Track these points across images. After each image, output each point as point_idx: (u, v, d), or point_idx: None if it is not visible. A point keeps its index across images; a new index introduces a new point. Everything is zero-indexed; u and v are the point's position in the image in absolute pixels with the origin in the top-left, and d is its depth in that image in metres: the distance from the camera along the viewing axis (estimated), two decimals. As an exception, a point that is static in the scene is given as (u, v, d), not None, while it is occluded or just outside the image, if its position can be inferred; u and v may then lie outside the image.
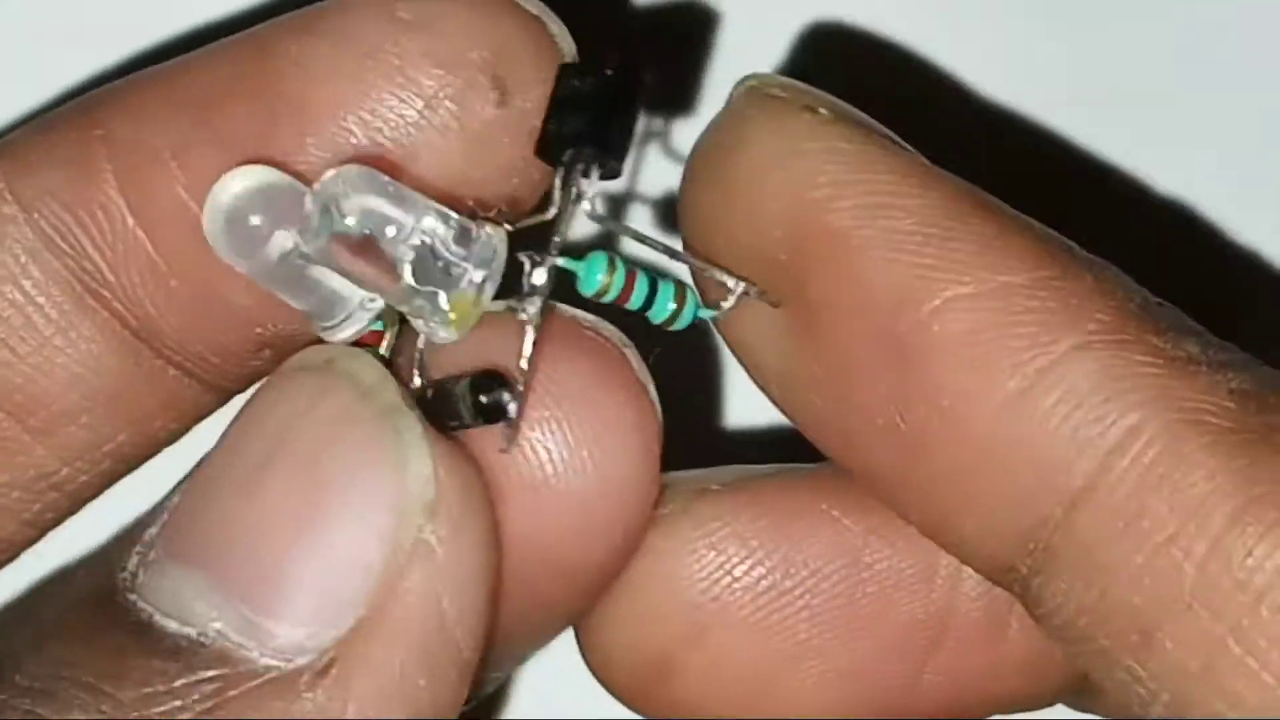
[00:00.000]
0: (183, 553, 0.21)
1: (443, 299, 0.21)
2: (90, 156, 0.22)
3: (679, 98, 0.30)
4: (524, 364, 0.21)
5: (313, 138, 0.22)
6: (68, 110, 0.23)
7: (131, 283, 0.23)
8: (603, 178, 0.21)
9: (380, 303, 0.21)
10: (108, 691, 0.20)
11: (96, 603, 0.21)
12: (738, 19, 0.31)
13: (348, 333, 0.22)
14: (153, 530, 0.22)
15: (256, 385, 0.23)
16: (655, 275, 0.22)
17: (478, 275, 0.21)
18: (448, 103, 0.22)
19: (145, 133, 0.22)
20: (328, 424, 0.22)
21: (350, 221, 0.20)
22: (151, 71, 0.23)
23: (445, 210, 0.20)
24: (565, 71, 0.21)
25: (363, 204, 0.20)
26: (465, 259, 0.21)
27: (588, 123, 0.21)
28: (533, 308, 0.21)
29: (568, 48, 0.22)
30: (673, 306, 0.22)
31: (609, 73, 0.21)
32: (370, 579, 0.21)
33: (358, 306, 0.22)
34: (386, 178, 0.20)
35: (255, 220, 0.21)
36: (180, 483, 0.22)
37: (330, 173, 0.20)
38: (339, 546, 0.21)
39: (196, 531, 0.21)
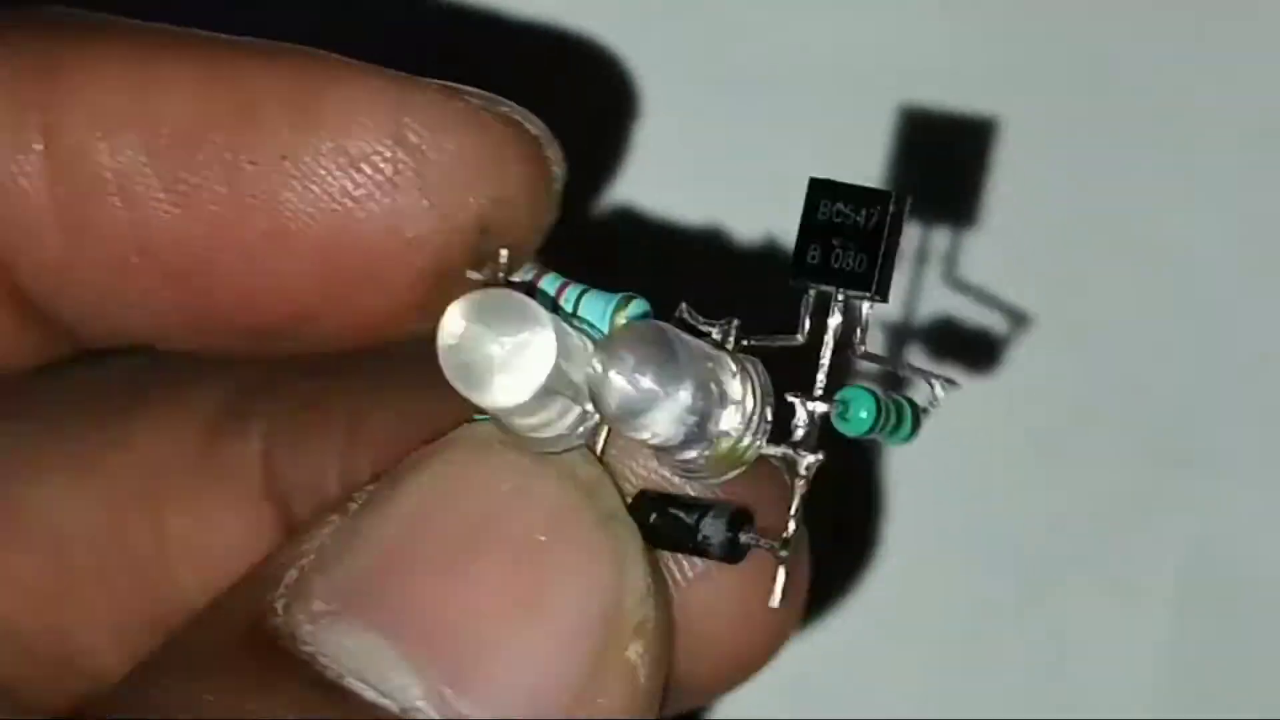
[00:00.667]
0: (375, 619, 0.21)
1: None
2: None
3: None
4: (793, 519, 0.20)
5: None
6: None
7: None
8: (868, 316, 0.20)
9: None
10: None
11: (251, 644, 0.21)
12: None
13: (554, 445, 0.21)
14: (309, 577, 0.21)
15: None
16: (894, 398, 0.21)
17: (744, 434, 0.20)
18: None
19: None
20: (545, 514, 0.21)
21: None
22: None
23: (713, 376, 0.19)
24: (819, 190, 0.20)
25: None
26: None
27: (861, 262, 0.19)
28: (808, 460, 0.20)
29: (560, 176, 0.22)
30: (908, 431, 0.21)
31: (876, 202, 0.19)
32: (573, 688, 0.21)
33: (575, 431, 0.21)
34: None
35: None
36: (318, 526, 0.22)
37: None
38: (550, 647, 0.21)
39: (392, 599, 0.21)
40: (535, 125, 0.22)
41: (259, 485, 0.25)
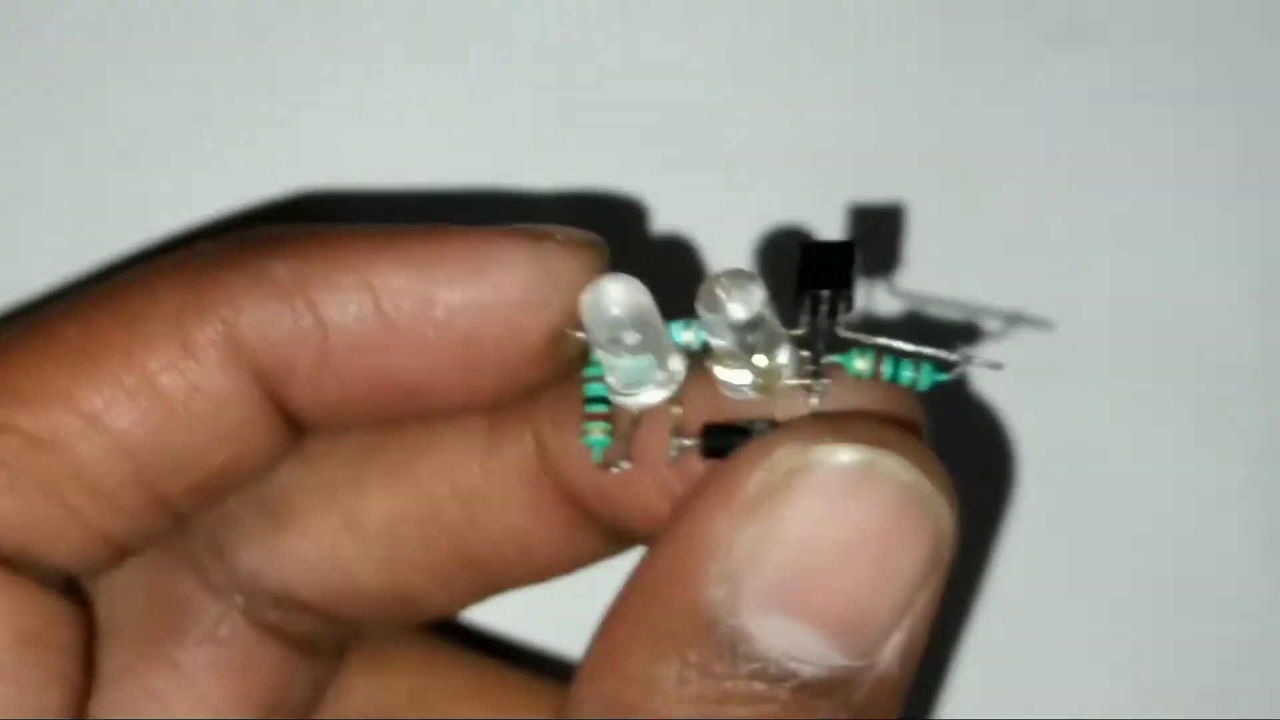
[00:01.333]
0: (795, 610, 0.28)
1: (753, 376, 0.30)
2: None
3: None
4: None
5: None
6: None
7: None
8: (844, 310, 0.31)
9: (680, 377, 0.30)
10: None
11: (691, 623, 0.28)
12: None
13: (644, 401, 0.30)
14: (738, 577, 0.28)
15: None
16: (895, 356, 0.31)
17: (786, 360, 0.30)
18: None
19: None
20: (886, 515, 0.28)
21: (723, 342, 0.29)
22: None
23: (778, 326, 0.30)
24: (807, 247, 0.31)
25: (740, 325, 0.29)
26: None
27: (839, 276, 0.31)
28: (819, 390, 0.30)
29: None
30: (911, 375, 0.30)
31: (843, 243, 0.31)
32: (908, 609, 0.29)
33: (661, 381, 0.30)
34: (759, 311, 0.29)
35: (629, 338, 0.29)
36: (717, 525, 0.29)
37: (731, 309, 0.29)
38: (906, 592, 0.29)
39: (804, 595, 0.28)
40: (589, 241, 0.30)
41: (535, 464, 0.33)
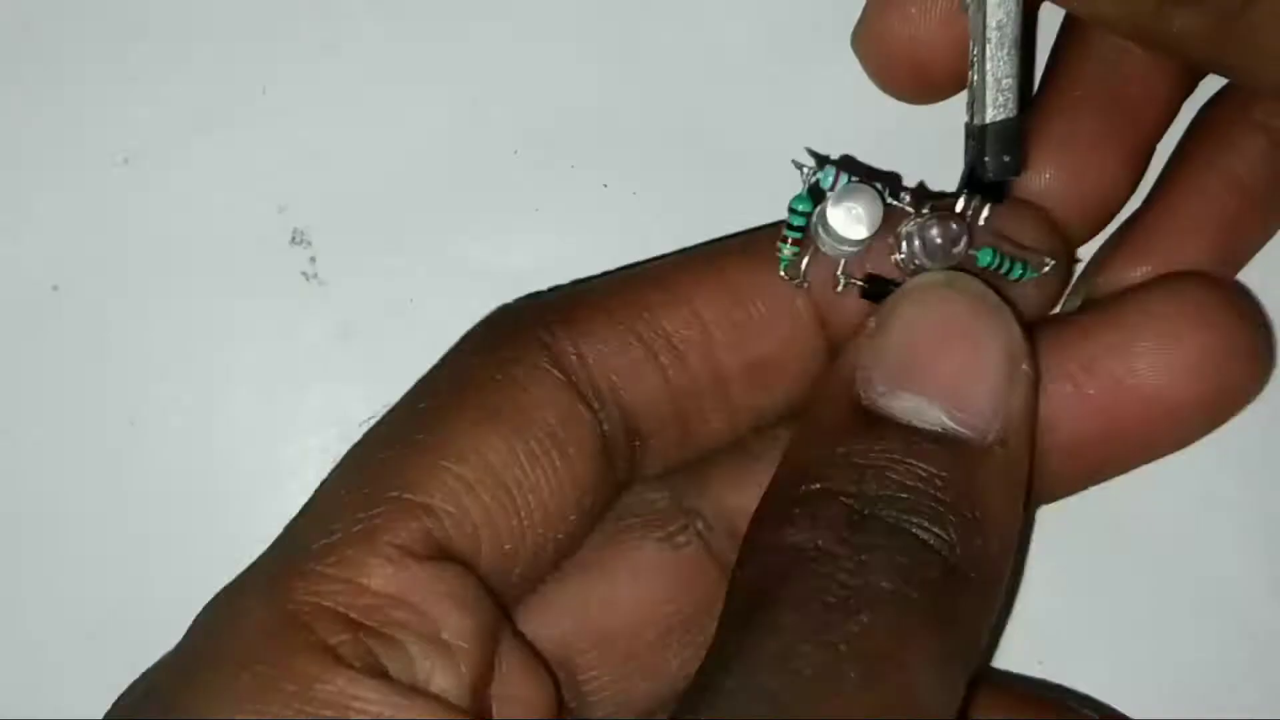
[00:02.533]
0: (911, 387, 0.36)
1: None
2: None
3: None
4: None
5: None
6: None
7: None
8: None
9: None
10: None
11: (855, 411, 0.36)
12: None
13: (842, 247, 0.38)
14: (869, 372, 0.36)
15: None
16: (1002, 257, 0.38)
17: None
18: None
19: None
20: (967, 313, 0.36)
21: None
22: None
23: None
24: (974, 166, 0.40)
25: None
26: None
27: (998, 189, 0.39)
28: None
29: None
30: (1020, 272, 0.38)
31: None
32: (1003, 394, 0.36)
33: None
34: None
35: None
36: (859, 340, 0.36)
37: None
38: (997, 374, 0.36)
39: (915, 376, 0.36)
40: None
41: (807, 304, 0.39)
